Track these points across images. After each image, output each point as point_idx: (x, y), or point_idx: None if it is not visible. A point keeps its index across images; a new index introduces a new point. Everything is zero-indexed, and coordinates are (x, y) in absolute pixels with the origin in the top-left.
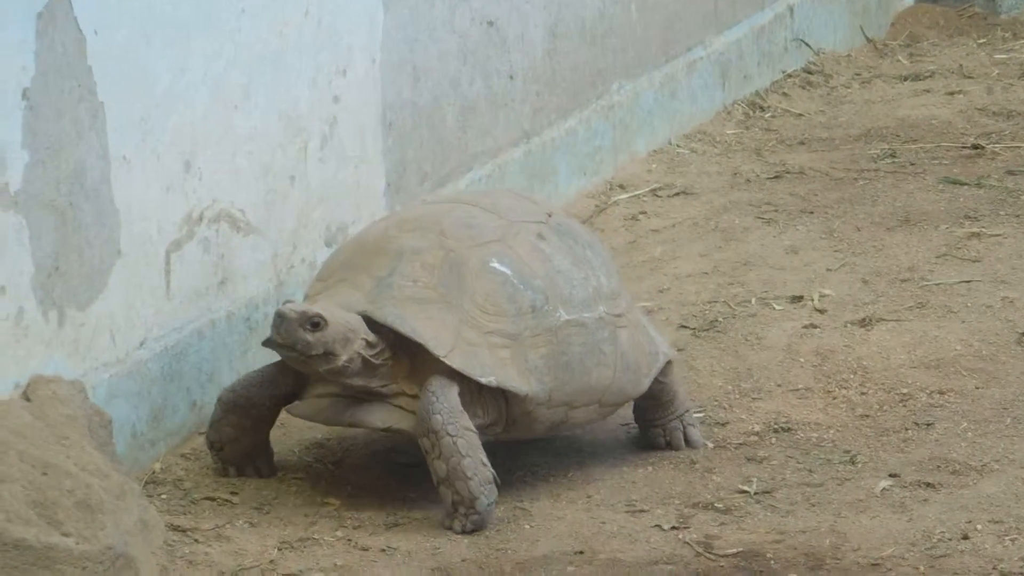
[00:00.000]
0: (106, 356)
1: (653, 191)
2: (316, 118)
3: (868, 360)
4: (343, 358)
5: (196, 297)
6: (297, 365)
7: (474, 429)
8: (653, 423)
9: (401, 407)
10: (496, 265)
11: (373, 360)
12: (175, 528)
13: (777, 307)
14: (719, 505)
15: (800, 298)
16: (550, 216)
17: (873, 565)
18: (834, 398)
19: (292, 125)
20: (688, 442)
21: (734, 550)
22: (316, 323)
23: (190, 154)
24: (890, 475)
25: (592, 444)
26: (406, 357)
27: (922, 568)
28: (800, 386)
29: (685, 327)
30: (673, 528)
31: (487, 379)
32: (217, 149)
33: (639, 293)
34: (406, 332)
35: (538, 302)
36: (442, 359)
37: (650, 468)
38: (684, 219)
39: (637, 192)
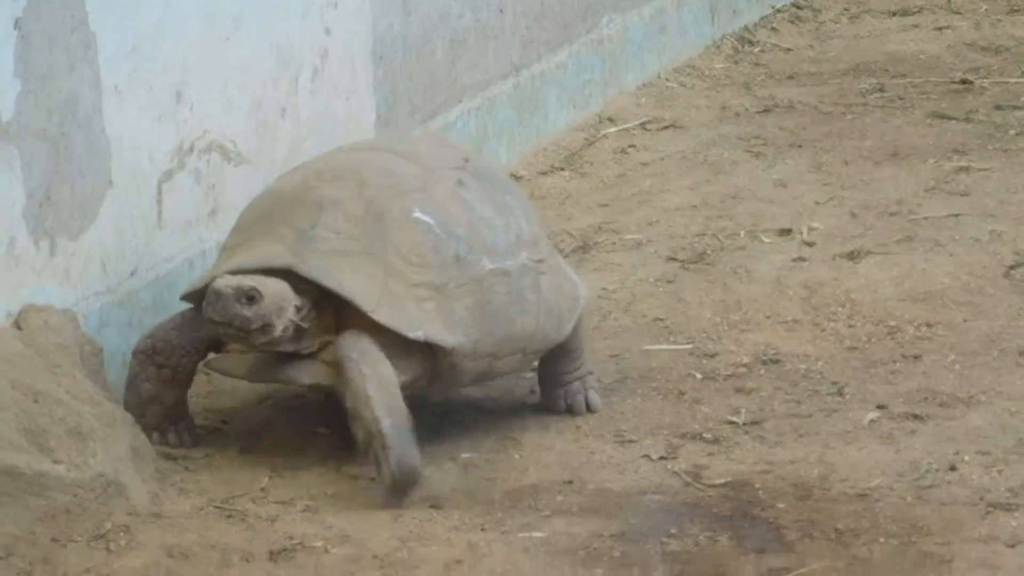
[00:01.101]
0: (97, 285)
1: (642, 125)
2: (307, 50)
3: (856, 293)
4: (279, 328)
5: (187, 227)
6: (234, 341)
7: (393, 378)
8: (556, 382)
9: (327, 362)
10: (419, 215)
11: (302, 324)
12: (166, 456)
13: (766, 240)
14: (708, 436)
15: (789, 231)
16: (467, 161)
17: (861, 495)
18: (822, 330)
19: (283, 57)
20: (589, 407)
21: (722, 480)
22: (252, 296)
23: (182, 84)
24: (878, 407)
25: None
26: (330, 311)
27: (909, 499)
28: (789, 318)
29: (674, 259)
30: (662, 458)
31: (415, 334)
32: (209, 80)
33: (628, 226)
34: (331, 286)
35: (462, 252)
36: (369, 314)
37: (639, 399)
38: (673, 152)
39: (626, 126)
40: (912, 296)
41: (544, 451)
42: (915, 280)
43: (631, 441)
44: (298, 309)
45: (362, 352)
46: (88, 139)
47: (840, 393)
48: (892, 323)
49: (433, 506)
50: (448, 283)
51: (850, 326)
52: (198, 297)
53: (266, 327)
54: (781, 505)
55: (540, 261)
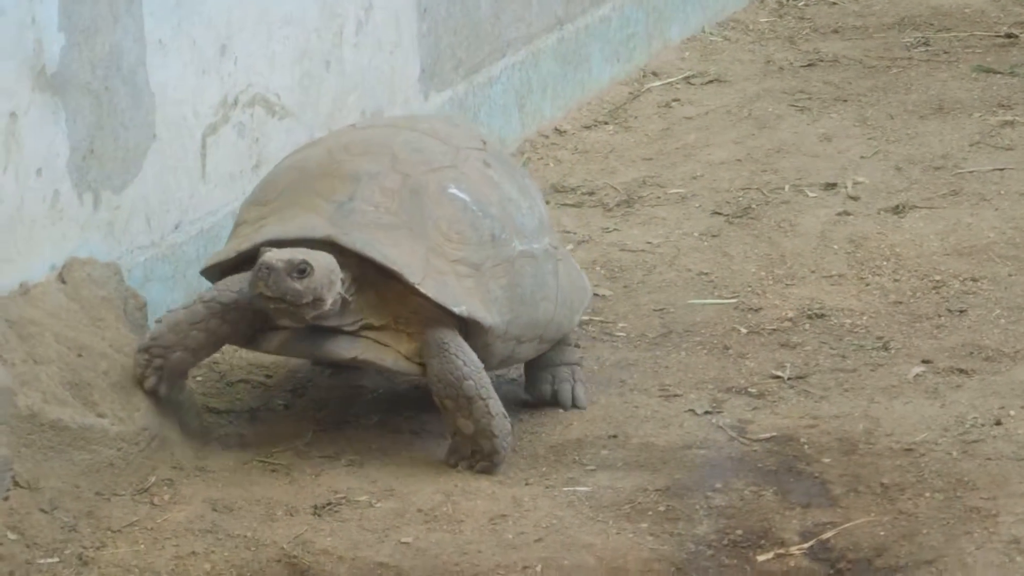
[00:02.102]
0: (141, 239)
1: (686, 79)
2: (352, 3)
3: (901, 247)
4: (329, 301)
5: (231, 180)
6: (285, 316)
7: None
8: (544, 363)
9: (368, 338)
10: (455, 191)
11: (347, 297)
12: (210, 410)
13: (811, 194)
14: (752, 390)
15: (834, 185)
16: (485, 143)
17: (906, 450)
18: (867, 285)
19: (328, 10)
20: (575, 401)
21: (767, 434)
22: (303, 269)
23: (226, 38)
24: (923, 361)
25: (625, 329)
26: (369, 288)
27: (955, 453)
28: (833, 272)
29: (718, 214)
30: (706, 413)
31: (459, 309)
32: (253, 33)
33: (672, 180)
34: (377, 259)
35: (496, 230)
36: (416, 287)
37: (683, 353)
38: (717, 107)
39: (670, 80)
40: (957, 250)
41: (588, 405)
42: (960, 234)
43: (676, 395)
44: (343, 282)
45: (475, 369)
46: (132, 92)
47: (885, 348)
48: (937, 277)
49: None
50: (485, 262)
51: (895, 280)
52: (217, 272)
53: (317, 301)
54: (826, 459)
55: (556, 248)
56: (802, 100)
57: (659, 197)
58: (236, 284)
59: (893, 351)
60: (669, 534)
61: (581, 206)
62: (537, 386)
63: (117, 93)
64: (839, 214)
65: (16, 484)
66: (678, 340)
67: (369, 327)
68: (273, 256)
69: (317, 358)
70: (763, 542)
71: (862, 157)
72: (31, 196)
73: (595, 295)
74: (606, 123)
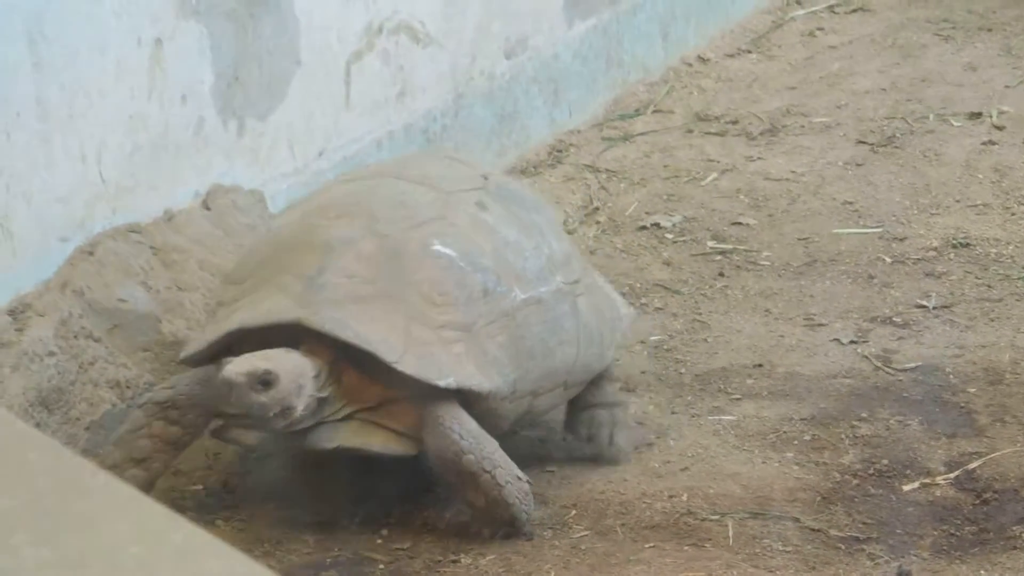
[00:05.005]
0: (285, 166)
1: (830, 7)
2: None
3: None
4: (300, 408)
5: (375, 108)
6: (255, 427)
7: (496, 444)
8: (581, 403)
9: (357, 419)
10: (439, 248)
11: (322, 395)
12: None
13: (955, 123)
14: (897, 319)
15: (978, 115)
16: (487, 179)
17: None
18: (1013, 214)
19: None
20: (613, 447)
21: (913, 364)
22: (267, 381)
23: None
24: None
25: (770, 258)
26: (352, 367)
27: None
28: (979, 202)
29: (863, 143)
30: (852, 342)
31: (445, 382)
32: None
33: (816, 109)
34: (349, 339)
35: (489, 283)
36: (393, 366)
37: (828, 282)
38: (861, 35)
39: (814, 8)
40: None
41: (733, 334)
42: None
43: (821, 324)
44: (315, 378)
45: (475, 442)
46: (276, 19)
47: None
48: None
49: (624, 388)
50: (477, 320)
51: None
52: (198, 359)
53: (286, 410)
54: (972, 389)
55: (575, 282)
56: (946, 29)
57: (803, 126)
58: (174, 379)
59: None
60: (815, 463)
61: (725, 135)
62: (573, 428)
63: (261, 20)
64: (984, 143)
65: None
66: (823, 269)
67: (360, 410)
68: (233, 370)
69: (307, 449)
70: (909, 472)
71: (1007, 87)
72: (176, 123)
73: (738, 224)
74: (749, 52)
